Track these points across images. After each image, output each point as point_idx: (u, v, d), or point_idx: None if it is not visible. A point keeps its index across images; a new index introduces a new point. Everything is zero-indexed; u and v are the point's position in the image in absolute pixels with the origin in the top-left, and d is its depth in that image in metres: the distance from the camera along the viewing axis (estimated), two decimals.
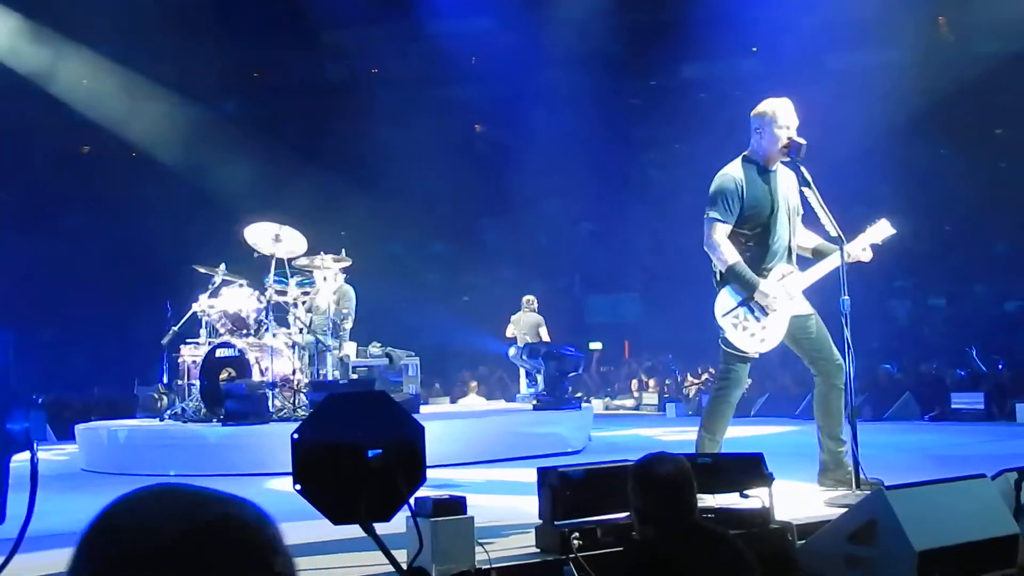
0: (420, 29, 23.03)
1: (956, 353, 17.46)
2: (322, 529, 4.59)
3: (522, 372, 16.02)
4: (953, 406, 14.56)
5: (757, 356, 6.39)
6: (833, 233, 6.22)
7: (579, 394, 14.11)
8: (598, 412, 17.30)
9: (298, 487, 4.33)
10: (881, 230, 6.49)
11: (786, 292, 6.27)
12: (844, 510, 5.10)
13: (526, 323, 16.11)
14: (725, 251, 6.24)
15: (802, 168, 6.28)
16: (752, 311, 6.24)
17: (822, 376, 6.34)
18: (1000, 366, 16.53)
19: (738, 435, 6.63)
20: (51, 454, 12.74)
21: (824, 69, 20.32)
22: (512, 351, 15.47)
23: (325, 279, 11.51)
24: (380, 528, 4.25)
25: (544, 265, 25.43)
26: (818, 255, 6.47)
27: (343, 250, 11.86)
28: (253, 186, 21.36)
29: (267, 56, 23.73)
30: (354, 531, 4.30)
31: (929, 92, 20.20)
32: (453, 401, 19.01)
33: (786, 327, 6.31)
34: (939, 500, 4.83)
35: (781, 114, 6.31)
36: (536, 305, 16.44)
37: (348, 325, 11.92)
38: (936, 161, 22.31)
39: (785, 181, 6.41)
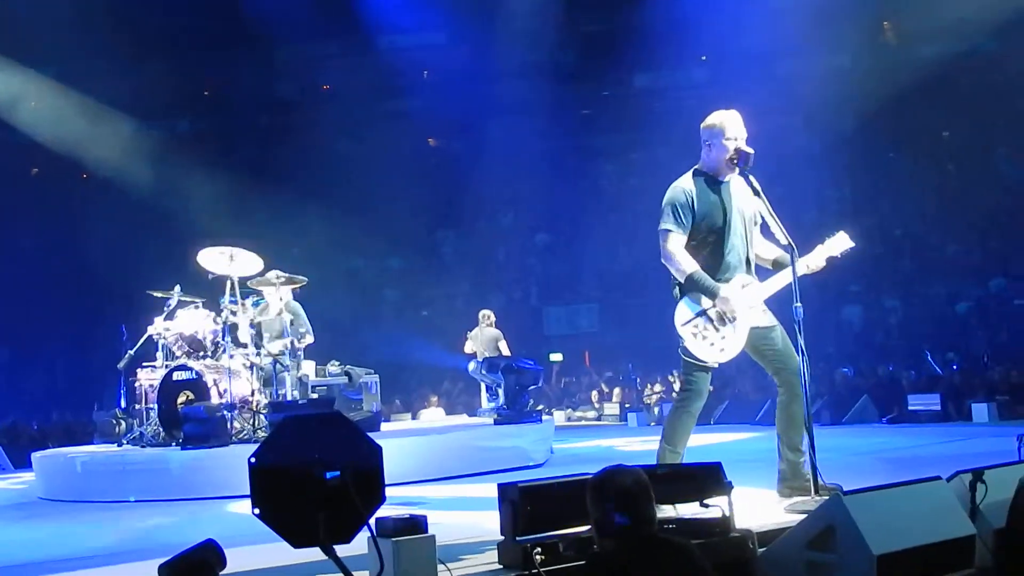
0: (371, 44, 23.04)
1: (911, 355, 17.64)
2: (283, 553, 4.56)
3: (483, 386, 16.00)
4: (910, 408, 14.70)
5: (717, 366, 6.41)
6: (784, 242, 6.25)
7: (540, 407, 14.12)
8: (560, 424, 17.32)
9: (256, 511, 4.30)
10: (839, 243, 6.52)
11: (746, 302, 6.30)
12: (803, 516, 5.14)
13: (484, 338, 16.10)
14: (682, 260, 6.27)
15: (751, 178, 6.31)
16: (711, 321, 6.27)
17: (786, 387, 6.35)
18: (954, 367, 16.72)
19: (699, 443, 6.65)
20: (7, 483, 12.57)
21: (772, 76, 20.52)
22: (472, 366, 15.45)
23: (281, 299, 11.43)
24: (341, 550, 4.23)
25: (501, 277, 25.46)
26: (778, 266, 6.49)
27: (293, 268, 11.80)
28: (207, 205, 21.23)
29: (218, 74, 23.62)
30: (315, 554, 4.29)
31: (876, 96, 20.45)
32: (414, 417, 18.96)
33: (746, 337, 6.33)
34: (896, 504, 4.87)
35: (729, 125, 6.35)
36: (493, 320, 16.41)
37: (308, 340, 11.85)
38: (885, 165, 22.58)
39: (738, 192, 6.44)
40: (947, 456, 9.41)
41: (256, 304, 11.49)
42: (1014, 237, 20.95)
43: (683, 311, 6.31)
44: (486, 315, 16.42)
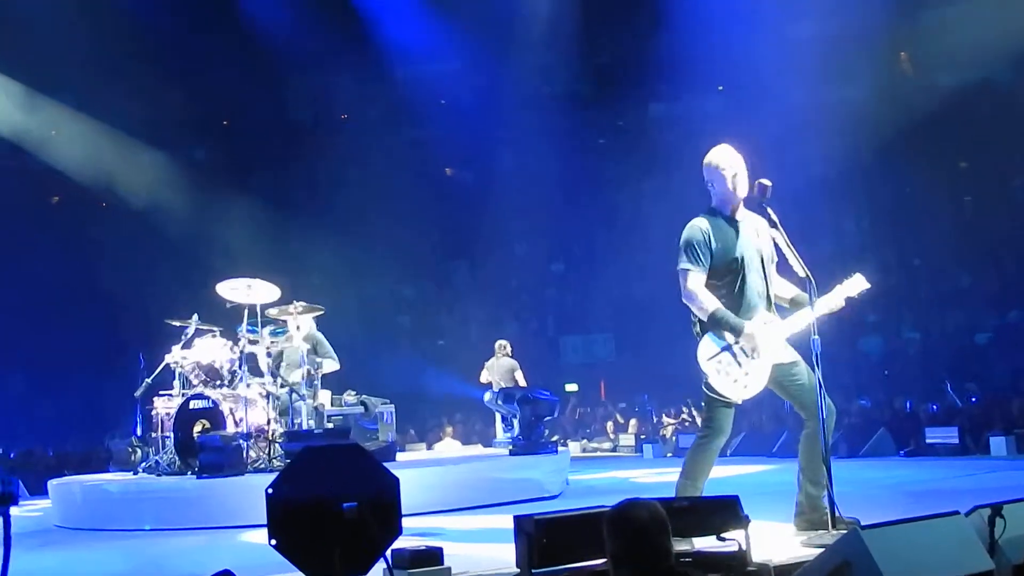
0: (387, 72, 23.16)
1: (929, 388, 17.54)
2: None
3: (498, 417, 15.98)
4: (928, 441, 14.60)
5: (740, 402, 6.40)
6: (801, 274, 6.25)
7: (555, 437, 14.10)
8: (575, 455, 17.26)
9: (273, 542, 4.32)
10: (856, 284, 6.53)
11: (768, 339, 6.29)
12: (820, 550, 5.12)
13: (500, 368, 16.10)
14: (703, 298, 6.27)
15: (769, 210, 6.32)
16: (735, 356, 6.26)
17: (813, 421, 6.32)
18: (973, 399, 16.61)
19: (716, 475, 6.62)
20: (24, 510, 12.59)
21: (788, 106, 20.53)
22: (487, 396, 15.44)
23: (299, 327, 11.48)
24: None
25: (516, 307, 25.46)
26: (795, 305, 6.48)
27: (308, 296, 11.87)
28: (224, 233, 21.33)
29: (234, 102, 23.76)
30: None
31: (893, 126, 20.44)
32: (429, 447, 18.93)
33: (769, 373, 6.32)
34: (914, 538, 4.84)
35: (722, 160, 6.38)
36: (510, 350, 16.44)
37: (334, 367, 11.91)
38: (902, 195, 22.53)
39: (753, 229, 6.45)
40: (965, 490, 9.35)
41: (277, 333, 11.52)
42: None
43: (707, 347, 6.30)
44: (502, 345, 16.45)
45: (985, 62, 19.89)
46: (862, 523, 5.42)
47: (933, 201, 21.97)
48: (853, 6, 19.71)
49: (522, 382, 15.78)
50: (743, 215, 6.45)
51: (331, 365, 11.88)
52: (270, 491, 4.34)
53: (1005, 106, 20.67)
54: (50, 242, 23.01)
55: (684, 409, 18.55)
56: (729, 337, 6.24)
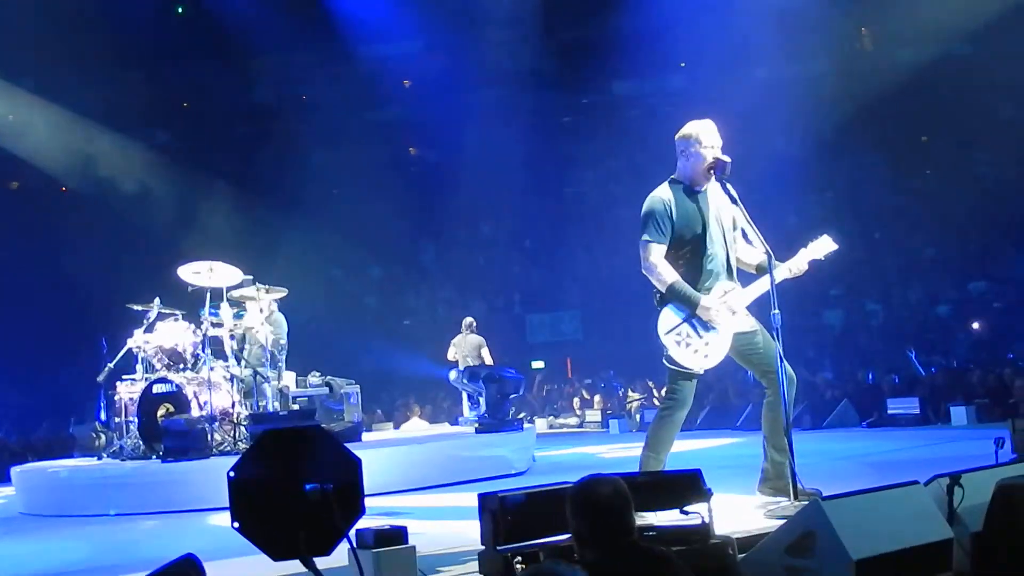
0: (350, 53, 23.03)
1: (891, 359, 17.70)
2: (263, 566, 4.56)
3: (464, 395, 15.99)
4: (889, 412, 14.75)
5: (702, 373, 6.43)
6: (761, 250, 6.29)
7: (521, 415, 14.11)
8: (542, 431, 17.31)
9: (236, 525, 4.30)
10: (823, 246, 6.56)
11: (728, 308, 6.32)
12: (782, 522, 5.16)
13: (468, 345, 16.10)
14: (663, 271, 6.29)
15: (728, 186, 6.34)
16: (695, 328, 6.29)
17: (773, 389, 6.35)
18: (933, 370, 16.79)
19: (680, 449, 6.66)
20: None
21: (751, 82, 20.60)
22: (453, 375, 15.44)
23: (261, 310, 11.43)
24: (321, 562, 4.23)
25: (483, 285, 25.45)
26: (761, 271, 6.50)
27: (273, 279, 11.81)
28: (186, 216, 21.21)
29: (196, 85, 23.56)
30: (295, 566, 4.29)
31: (854, 101, 20.57)
32: (396, 427, 18.91)
33: (730, 343, 6.35)
34: (874, 508, 4.90)
35: (704, 135, 6.39)
36: (476, 327, 16.44)
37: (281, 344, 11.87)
38: (863, 169, 22.69)
39: (716, 199, 6.47)
40: (926, 460, 9.46)
41: (239, 316, 11.47)
42: (993, 240, 21.09)
43: (667, 319, 6.33)
44: (469, 322, 16.46)
45: (945, 36, 20.03)
46: (824, 494, 5.48)
47: (894, 174, 22.14)
48: None
49: (488, 359, 15.79)
50: (707, 186, 6.46)
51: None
52: (232, 474, 4.33)
53: (965, 80, 20.82)
54: (10, 228, 22.77)
55: (650, 384, 18.60)
56: (687, 310, 6.27)
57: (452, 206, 24.03)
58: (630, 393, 19.75)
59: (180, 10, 22.71)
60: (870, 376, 16.82)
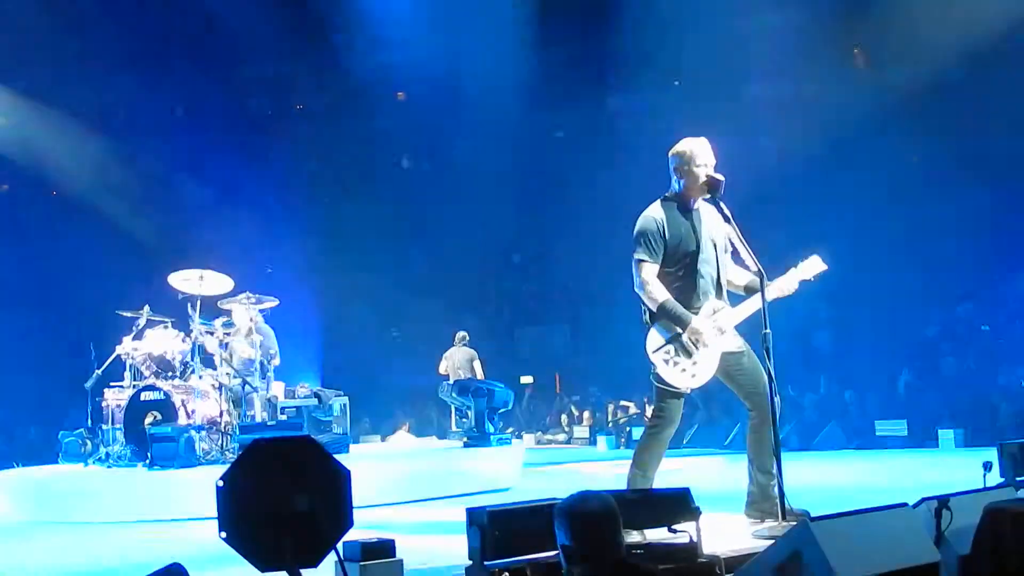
0: (343, 63, 23.03)
1: (879, 381, 17.73)
2: None
3: (452, 409, 15.98)
4: (877, 434, 14.78)
5: (689, 392, 6.42)
6: (753, 268, 6.27)
7: (510, 429, 14.13)
8: (529, 446, 17.31)
9: (223, 534, 4.29)
10: (812, 266, 6.57)
11: (717, 328, 6.32)
12: (770, 542, 5.16)
13: (460, 358, 16.12)
14: (654, 290, 6.29)
15: (722, 204, 6.34)
16: (683, 347, 6.29)
17: (757, 411, 6.36)
18: (922, 393, 16.80)
19: (667, 468, 6.65)
20: None
21: (744, 100, 20.65)
22: (442, 388, 15.43)
23: (252, 319, 11.42)
24: (308, 574, 4.22)
25: (473, 298, 25.42)
26: (749, 291, 6.51)
27: (263, 288, 11.81)
28: (177, 224, 21.14)
29: (188, 91, 23.52)
30: None
31: (846, 122, 20.60)
32: (383, 439, 18.89)
33: (717, 362, 6.35)
34: (863, 530, 4.89)
35: (699, 153, 6.39)
36: (468, 340, 16.47)
37: (275, 363, 11.86)
38: (855, 188, 22.72)
39: (708, 218, 6.48)
40: (913, 483, 9.46)
41: (229, 324, 11.46)
42: (981, 263, 21.12)
43: (654, 338, 6.33)
44: (462, 336, 16.50)
45: (940, 58, 20.09)
46: (811, 515, 5.47)
47: (886, 196, 22.18)
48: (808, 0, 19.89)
49: (480, 373, 15.82)
50: (699, 204, 6.47)
51: (273, 361, 11.84)
52: (220, 483, 4.31)
53: (957, 104, 20.88)
54: None
55: (645, 401, 18.61)
56: (676, 329, 6.27)
57: (442, 218, 24.02)
58: (618, 410, 19.75)
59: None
60: (858, 398, 16.84)
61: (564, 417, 21.11)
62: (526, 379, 23.95)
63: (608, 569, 3.90)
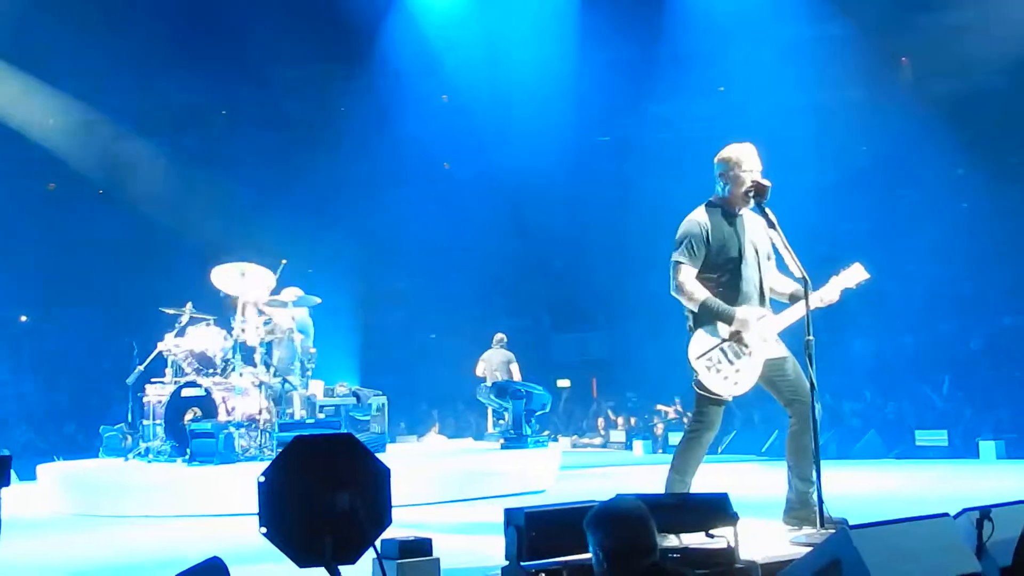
0: (389, 67, 23.12)
1: (920, 391, 17.58)
2: (288, 572, 4.57)
3: (489, 410, 16.01)
4: (917, 444, 14.66)
5: (731, 399, 6.40)
6: (798, 275, 6.24)
7: (546, 432, 14.12)
8: (565, 450, 17.29)
9: (264, 530, 4.32)
10: (855, 274, 6.52)
11: (760, 334, 6.30)
12: (808, 549, 5.13)
13: (497, 360, 16.15)
14: (693, 289, 6.27)
15: (767, 210, 6.30)
16: (726, 354, 6.26)
17: (798, 417, 6.32)
18: (963, 403, 16.65)
19: (705, 473, 6.63)
20: (13, 496, 12.55)
21: (788, 108, 20.54)
22: (480, 390, 15.46)
23: (294, 317, 11.50)
24: (346, 571, 4.25)
25: (511, 302, 25.44)
26: (793, 300, 6.47)
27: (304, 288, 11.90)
28: (220, 222, 21.30)
29: (233, 91, 23.69)
30: (320, 574, 4.30)
31: (891, 131, 20.47)
32: (419, 439, 18.96)
33: (760, 370, 6.32)
34: (902, 540, 4.85)
35: (745, 159, 6.37)
36: (506, 342, 16.50)
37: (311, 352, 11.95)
38: (898, 200, 22.57)
39: (752, 225, 6.45)
40: (954, 493, 9.37)
41: (267, 323, 11.54)
42: None
43: (698, 344, 6.30)
44: (500, 338, 16.56)
45: (984, 69, 19.93)
46: (850, 523, 5.44)
47: (929, 206, 22.01)
48: (855, 10, 19.78)
49: (517, 375, 15.83)
50: (742, 210, 6.45)
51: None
52: (262, 479, 4.35)
53: (1003, 114, 20.71)
54: (47, 228, 22.96)
55: (677, 407, 18.57)
56: (722, 329, 6.25)
57: (485, 222, 24.06)
58: (656, 416, 19.71)
59: None
60: (899, 407, 16.72)
61: (600, 420, 21.09)
62: (563, 383, 23.94)
63: (642, 573, 3.90)
